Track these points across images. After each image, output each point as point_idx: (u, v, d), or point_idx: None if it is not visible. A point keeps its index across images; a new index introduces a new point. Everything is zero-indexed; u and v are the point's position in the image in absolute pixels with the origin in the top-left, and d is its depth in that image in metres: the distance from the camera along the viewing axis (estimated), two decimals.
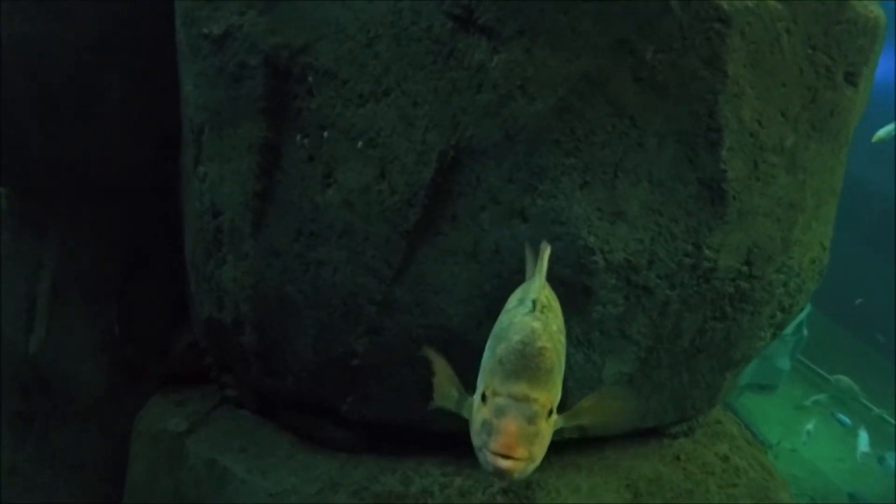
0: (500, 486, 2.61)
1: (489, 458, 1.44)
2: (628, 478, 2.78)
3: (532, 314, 1.63)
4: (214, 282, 3.15)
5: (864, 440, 6.45)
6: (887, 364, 9.74)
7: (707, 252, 2.36)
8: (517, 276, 2.39)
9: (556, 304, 1.79)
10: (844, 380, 8.12)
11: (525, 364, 1.49)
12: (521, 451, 1.42)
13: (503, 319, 1.76)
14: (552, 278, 1.91)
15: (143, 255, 4.02)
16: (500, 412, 1.44)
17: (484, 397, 1.51)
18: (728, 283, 2.46)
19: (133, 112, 3.62)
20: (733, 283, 2.47)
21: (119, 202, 3.92)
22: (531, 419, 1.44)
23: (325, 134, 2.61)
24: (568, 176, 2.27)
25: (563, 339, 1.71)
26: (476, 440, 1.51)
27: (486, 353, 1.68)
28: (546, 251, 1.91)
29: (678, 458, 2.93)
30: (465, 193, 2.42)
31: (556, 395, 1.56)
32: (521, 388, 1.46)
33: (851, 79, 2.55)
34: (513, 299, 1.87)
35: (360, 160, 2.54)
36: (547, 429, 1.51)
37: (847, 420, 7.86)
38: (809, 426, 7.54)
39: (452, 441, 2.78)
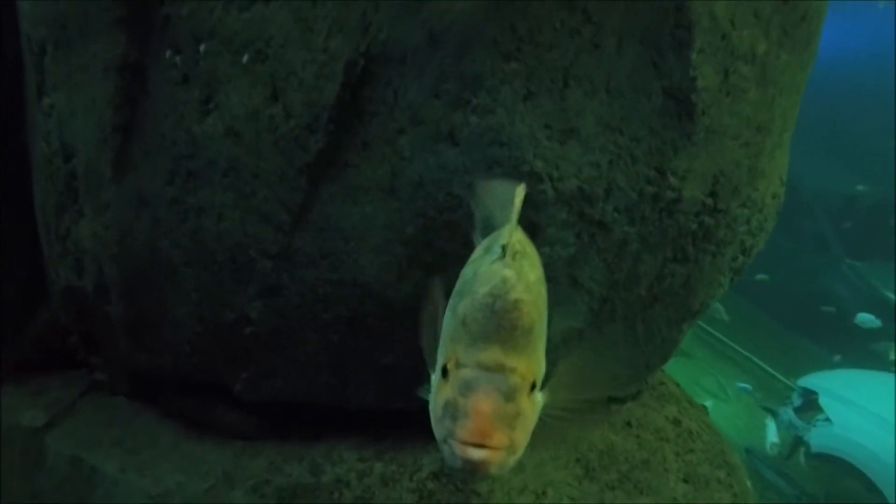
0: (430, 472, 2.19)
1: (457, 450, 1.17)
2: (578, 450, 2.42)
3: (502, 261, 1.33)
4: (70, 241, 2.62)
5: (772, 430, 6.61)
6: (783, 331, 10.12)
7: (672, 179, 1.98)
8: (446, 216, 1.95)
9: (532, 252, 1.47)
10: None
11: (497, 323, 1.23)
12: (498, 437, 1.16)
13: (465, 272, 1.45)
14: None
15: None
16: (467, 388, 1.18)
17: (445, 372, 1.24)
18: (692, 218, 2.11)
19: None
20: (697, 218, 2.12)
21: None
22: (509, 394, 1.18)
23: (202, 47, 2.13)
24: (508, 85, 1.83)
25: (543, 292, 1.40)
26: (438, 429, 1.24)
27: (446, 317, 1.39)
28: (520, 192, 1.52)
29: (629, 424, 2.60)
30: (378, 114, 1.95)
31: (540, 366, 1.29)
32: (493, 354, 1.20)
33: None
34: (477, 250, 1.55)
35: (247, 78, 2.07)
36: (530, 408, 1.23)
37: (747, 386, 8.08)
38: (744, 384, 8.05)
39: (371, 420, 2.43)
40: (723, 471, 2.51)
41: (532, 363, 1.24)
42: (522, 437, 1.22)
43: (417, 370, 2.14)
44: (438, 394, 1.25)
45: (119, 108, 2.31)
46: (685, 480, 2.44)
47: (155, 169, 2.27)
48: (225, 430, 2.54)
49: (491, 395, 1.16)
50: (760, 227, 2.35)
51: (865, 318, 8.61)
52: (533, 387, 1.24)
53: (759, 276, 9.89)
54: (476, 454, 1.14)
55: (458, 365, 1.21)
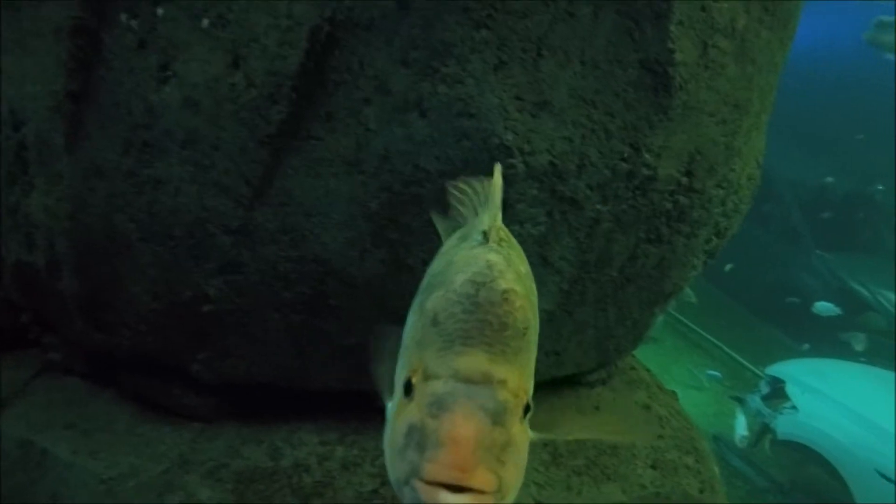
0: None
1: (425, 495, 0.88)
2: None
3: (485, 245, 1.11)
4: (21, 214, 2.50)
5: (741, 423, 6.67)
6: (753, 320, 10.23)
7: (646, 156, 1.93)
8: (412, 190, 1.88)
9: (516, 244, 1.24)
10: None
11: (481, 318, 0.97)
12: (483, 476, 0.88)
13: (436, 265, 1.22)
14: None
15: None
16: (440, 407, 0.91)
17: (409, 388, 0.98)
18: (666, 197, 2.05)
19: None
20: (671, 197, 2.06)
21: None
22: (497, 416, 0.92)
23: (160, 11, 2.03)
24: (479, 54, 1.75)
25: (534, 288, 1.17)
26: (397, 465, 0.95)
27: (410, 320, 1.15)
28: (497, 172, 1.29)
29: (598, 409, 2.55)
30: (344, 83, 1.87)
31: (530, 381, 1.04)
32: (475, 361, 0.94)
33: None
34: (450, 241, 1.34)
35: (207, 45, 1.97)
36: (523, 438, 0.98)
37: (717, 374, 8.22)
38: (714, 372, 8.15)
39: (333, 402, 2.33)
40: (691, 457, 2.48)
41: (525, 377, 1.00)
42: (515, 476, 0.95)
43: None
44: (398, 418, 0.98)
45: (72, 74, 2.18)
46: (653, 466, 2.40)
47: (110, 139, 2.16)
48: (183, 412, 2.44)
49: (473, 417, 0.90)
50: (735, 208, 2.31)
51: (823, 307, 8.72)
52: (527, 410, 0.99)
53: (729, 266, 9.98)
54: (452, 500, 0.87)
55: (428, 377, 0.95)
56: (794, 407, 6.35)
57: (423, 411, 0.92)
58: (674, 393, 3.21)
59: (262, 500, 2.10)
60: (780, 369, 6.90)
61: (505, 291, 1.00)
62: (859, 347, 8.62)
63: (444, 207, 1.49)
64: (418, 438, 0.91)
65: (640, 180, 1.97)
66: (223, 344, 2.22)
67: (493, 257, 1.05)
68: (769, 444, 6.62)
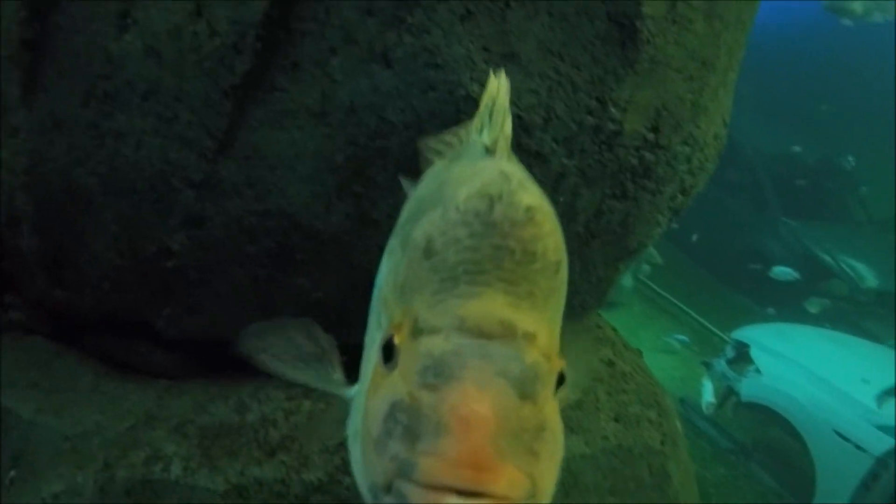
0: None
1: (419, 501, 0.61)
2: None
3: (491, 158, 0.88)
4: None
5: (708, 390, 6.78)
6: (720, 286, 10.38)
7: (613, 111, 1.93)
8: (378, 143, 1.86)
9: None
10: None
11: (499, 245, 0.72)
12: (509, 475, 0.61)
13: (421, 191, 0.99)
14: None
15: None
16: (441, 372, 0.65)
17: (389, 351, 0.72)
18: (632, 152, 2.06)
19: None
20: (637, 153, 2.07)
21: None
22: (526, 386, 0.66)
23: None
24: (445, 4, 1.73)
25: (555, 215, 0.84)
26: (371, 464, 0.68)
27: (386, 265, 0.91)
28: (501, 77, 1.01)
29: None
30: (309, 32, 1.84)
31: (557, 334, 0.77)
32: (490, 305, 0.69)
33: None
34: (435, 166, 1.10)
35: None
36: (557, 418, 0.71)
37: (684, 338, 8.31)
38: (682, 336, 8.21)
39: None
40: (653, 411, 2.53)
41: (553, 327, 0.76)
42: (551, 475, 0.68)
43: (348, 305, 2.08)
44: (373, 395, 0.71)
45: (26, 22, 2.12)
46: (616, 419, 2.44)
47: (69, 90, 2.10)
48: (148, 369, 2.43)
49: (493, 387, 0.64)
50: (701, 166, 2.33)
51: (781, 271, 8.88)
52: (562, 380, 0.72)
53: (695, 236, 10.10)
54: None
55: (419, 332, 0.69)
56: (757, 370, 6.48)
57: (413, 382, 0.66)
58: (638, 351, 3.26)
59: (229, 454, 2.10)
60: (745, 333, 7.03)
61: (530, 208, 0.73)
62: (814, 310, 8.84)
63: (416, 171, 1.22)
64: (407, 421, 0.64)
65: (607, 135, 1.97)
66: (188, 300, 2.20)
67: (508, 168, 0.79)
68: (733, 407, 6.76)
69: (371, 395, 0.72)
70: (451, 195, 0.77)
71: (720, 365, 6.97)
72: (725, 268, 9.96)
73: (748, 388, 6.46)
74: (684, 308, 9.42)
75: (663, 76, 1.99)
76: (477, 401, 0.63)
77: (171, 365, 2.40)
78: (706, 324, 9.07)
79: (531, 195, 0.76)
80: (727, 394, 6.83)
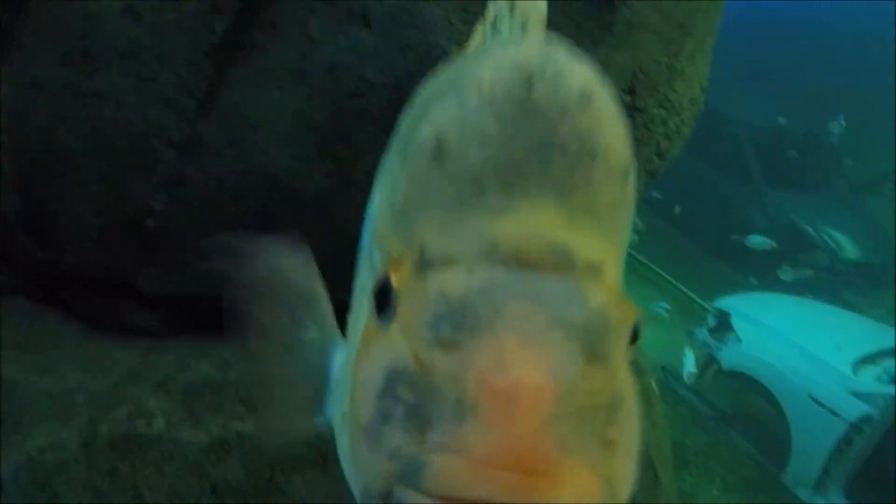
0: None
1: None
2: None
3: (525, 39, 0.70)
4: None
5: (689, 361, 6.86)
6: (704, 256, 10.47)
7: None
8: (357, 103, 1.88)
9: None
10: None
11: (544, 136, 0.51)
12: (576, 479, 0.43)
13: (429, 87, 0.74)
14: None
15: None
16: (463, 322, 0.45)
17: (385, 296, 0.52)
18: None
19: None
20: None
21: None
22: (595, 341, 0.47)
23: None
24: None
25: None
26: (363, 458, 0.50)
27: (381, 183, 0.74)
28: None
29: None
30: None
31: (622, 270, 0.60)
32: (535, 220, 0.50)
33: None
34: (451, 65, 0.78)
35: None
36: (628, 384, 0.53)
37: (666, 306, 8.37)
38: (664, 304, 8.26)
39: None
40: None
41: (621, 266, 0.58)
42: (628, 470, 0.50)
43: (327, 265, 2.10)
44: (364, 361, 0.53)
45: None
46: None
47: (47, 50, 2.09)
48: (131, 329, 2.46)
49: (548, 344, 0.44)
50: (677, 130, 2.35)
51: (757, 241, 8.97)
52: (636, 335, 0.53)
53: (678, 209, 10.15)
54: None
55: (428, 263, 0.49)
56: (738, 338, 6.58)
57: (420, 338, 0.47)
58: None
59: (211, 409, 2.15)
60: (726, 302, 7.13)
61: (586, 88, 0.53)
62: (787, 278, 8.98)
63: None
64: (412, 398, 0.46)
65: None
66: (168, 259, 2.22)
67: (549, 49, 0.55)
68: (714, 375, 6.87)
69: (360, 363, 0.52)
70: (471, 77, 0.54)
71: (702, 333, 7.07)
72: (709, 238, 10.04)
73: (728, 356, 6.58)
74: (668, 278, 9.51)
75: (640, 39, 2.01)
76: (523, 364, 0.42)
77: (154, 324, 2.43)
78: (689, 293, 9.16)
79: (586, 72, 0.55)
80: (708, 362, 6.94)
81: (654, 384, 2.71)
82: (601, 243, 0.51)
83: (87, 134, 2.10)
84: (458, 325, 0.45)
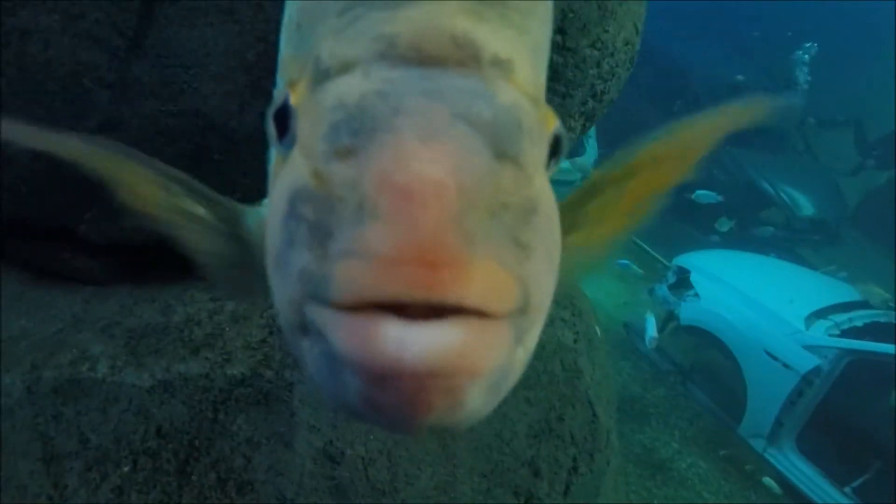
0: None
1: (340, 338, 0.40)
2: None
3: None
4: None
5: (651, 325, 6.95)
6: (665, 214, 10.56)
7: None
8: None
9: None
10: None
11: None
12: (486, 273, 0.40)
13: None
14: None
15: None
16: (360, 129, 0.43)
17: (284, 119, 0.54)
18: None
19: None
20: None
21: None
22: (505, 136, 0.44)
23: None
24: None
25: None
26: (280, 284, 0.47)
27: (285, 25, 0.70)
28: None
29: None
30: None
31: (544, 78, 0.59)
32: (436, 10, 0.46)
33: None
34: None
35: None
36: (550, 197, 0.50)
37: (627, 262, 8.54)
38: (625, 261, 8.31)
39: None
40: (568, 311, 2.64)
41: (542, 70, 0.56)
42: (547, 278, 0.47)
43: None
44: (272, 193, 0.53)
45: None
46: None
47: None
48: (74, 276, 2.44)
49: (451, 137, 0.42)
50: (612, 72, 2.37)
51: (702, 195, 9.10)
52: (557, 144, 0.51)
53: None
54: (418, 348, 0.38)
55: (324, 73, 0.48)
56: (696, 294, 6.70)
57: (319, 153, 0.45)
58: None
59: (154, 353, 2.16)
60: (685, 260, 7.24)
61: None
62: (724, 229, 9.18)
63: None
64: (313, 215, 0.43)
65: None
66: (109, 204, 2.20)
67: None
68: (673, 330, 7.00)
69: (270, 197, 0.51)
70: None
71: (661, 290, 7.18)
72: (670, 196, 10.12)
73: (687, 311, 6.69)
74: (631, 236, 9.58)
75: None
76: (423, 160, 0.39)
77: (97, 270, 2.42)
78: (651, 251, 9.27)
79: None
80: (668, 318, 7.06)
81: (596, 328, 2.77)
82: (512, 40, 0.47)
83: (15, 75, 2.06)
84: (355, 130, 0.43)
